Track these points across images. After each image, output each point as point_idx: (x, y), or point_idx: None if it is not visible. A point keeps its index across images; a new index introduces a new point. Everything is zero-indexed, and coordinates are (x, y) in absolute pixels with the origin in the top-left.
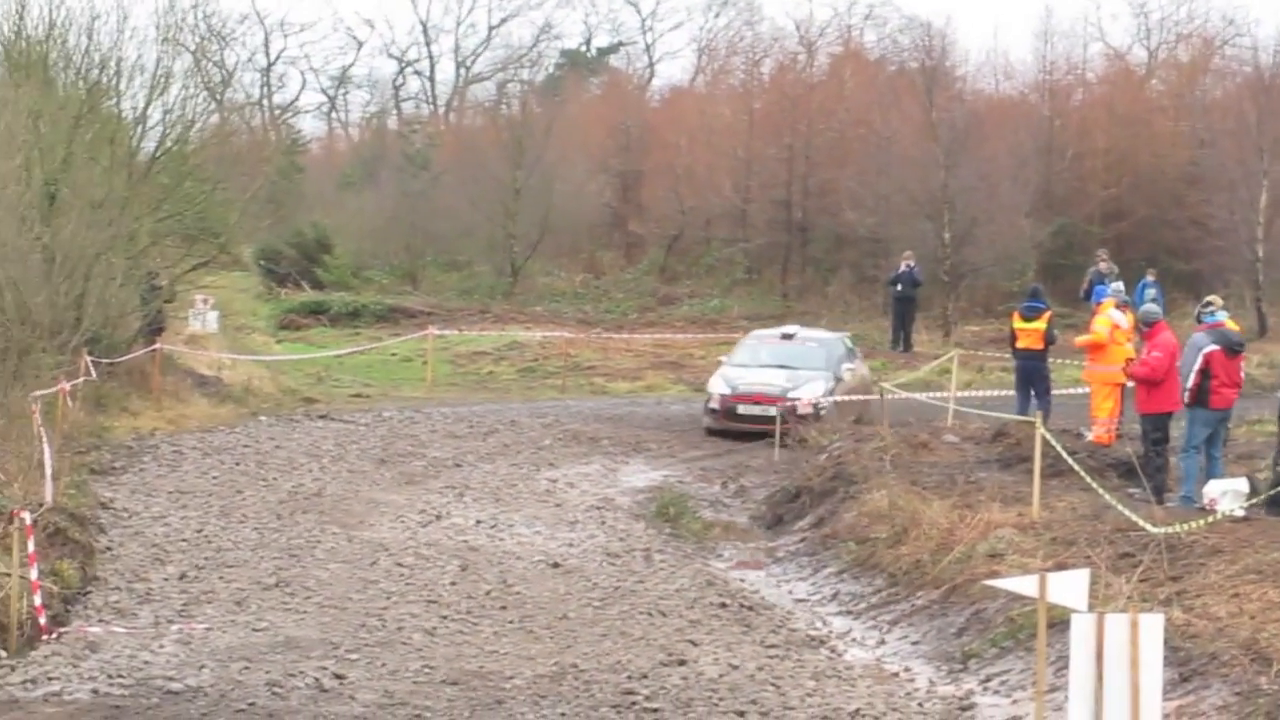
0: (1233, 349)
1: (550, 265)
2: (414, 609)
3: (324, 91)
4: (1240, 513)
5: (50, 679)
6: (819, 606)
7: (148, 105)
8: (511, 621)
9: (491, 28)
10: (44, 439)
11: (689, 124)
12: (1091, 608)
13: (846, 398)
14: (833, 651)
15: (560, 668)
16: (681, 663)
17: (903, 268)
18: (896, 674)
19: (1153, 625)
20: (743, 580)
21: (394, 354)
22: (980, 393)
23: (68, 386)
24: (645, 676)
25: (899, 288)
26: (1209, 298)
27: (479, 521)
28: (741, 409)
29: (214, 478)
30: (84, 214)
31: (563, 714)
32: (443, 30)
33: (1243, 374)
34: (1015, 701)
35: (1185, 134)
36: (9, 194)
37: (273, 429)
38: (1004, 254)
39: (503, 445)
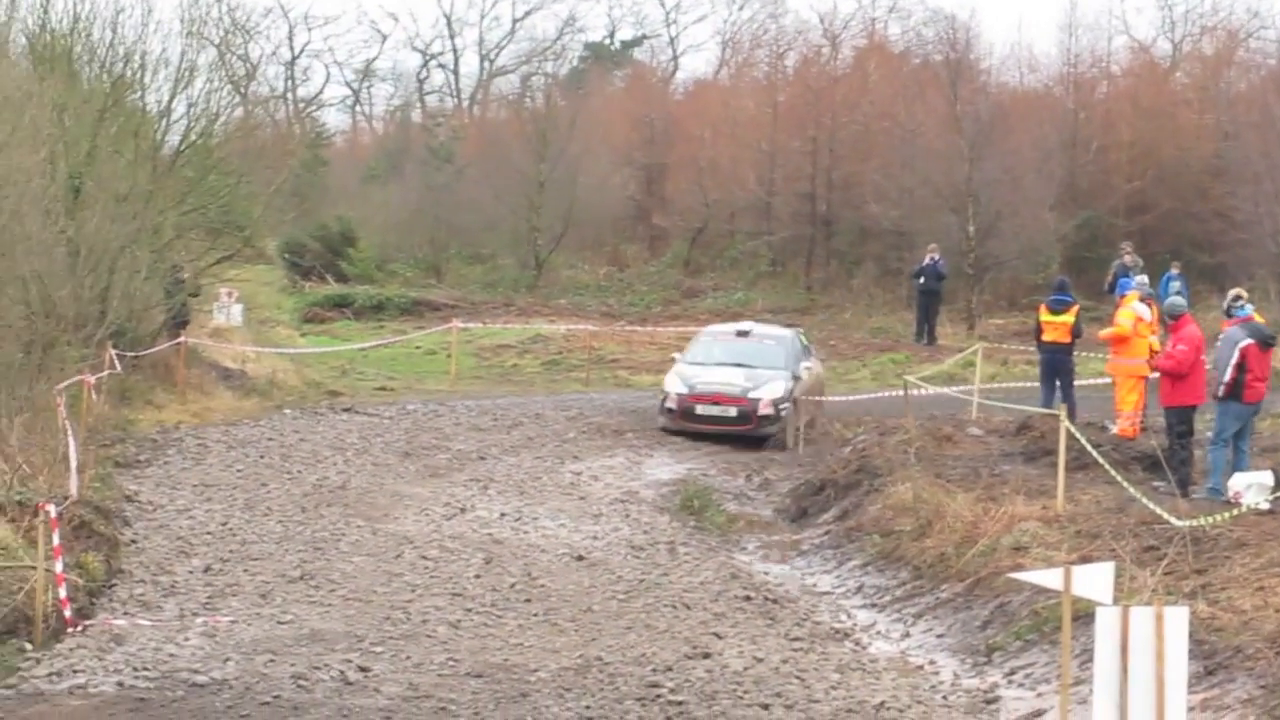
0: (1266, 343)
1: (574, 258)
2: (439, 602)
3: (348, 85)
4: (1265, 506)
5: (75, 672)
6: (843, 599)
7: (172, 99)
8: (536, 614)
9: (515, 20)
10: (69, 432)
11: (713, 117)
12: (1116, 601)
13: (805, 397)
14: (857, 644)
15: (585, 660)
16: (706, 655)
17: (927, 261)
18: (921, 667)
19: (1177, 618)
20: (767, 573)
21: (418, 347)
22: (1005, 385)
23: (92, 380)
24: (670, 669)
25: (923, 281)
26: (1236, 291)
27: (503, 514)
28: (700, 409)
29: (238, 471)
30: (108, 207)
31: (587, 706)
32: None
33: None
34: (1040, 694)
35: (1209, 127)
36: (34, 187)
37: (297, 422)
38: (1028, 247)
39: (527, 438)
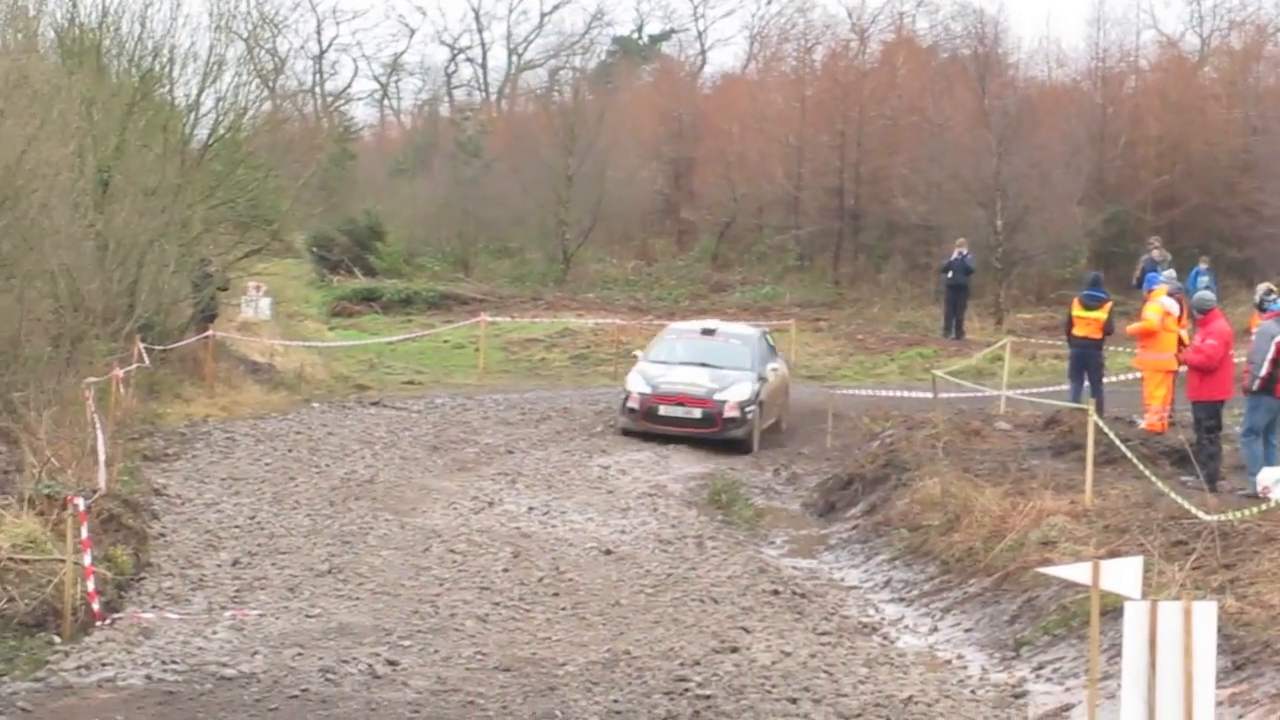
0: None
1: (602, 252)
2: (466, 596)
3: (376, 79)
4: None
5: (104, 665)
6: (871, 594)
7: (200, 92)
8: (564, 608)
9: (543, 14)
10: (97, 425)
11: (741, 111)
12: (1144, 595)
13: (774, 399)
14: (885, 639)
15: (613, 654)
16: (734, 650)
17: (955, 255)
18: (949, 661)
19: (1206, 613)
20: (795, 567)
21: (446, 341)
22: (1033, 381)
23: (121, 373)
24: (698, 663)
25: (951, 275)
26: (1267, 285)
27: (531, 508)
28: (663, 410)
29: (266, 464)
30: (137, 201)
31: (615, 700)
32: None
33: None
34: (1068, 689)
35: (1238, 121)
36: (62, 181)
37: (325, 416)
38: (1056, 241)
39: (554, 432)
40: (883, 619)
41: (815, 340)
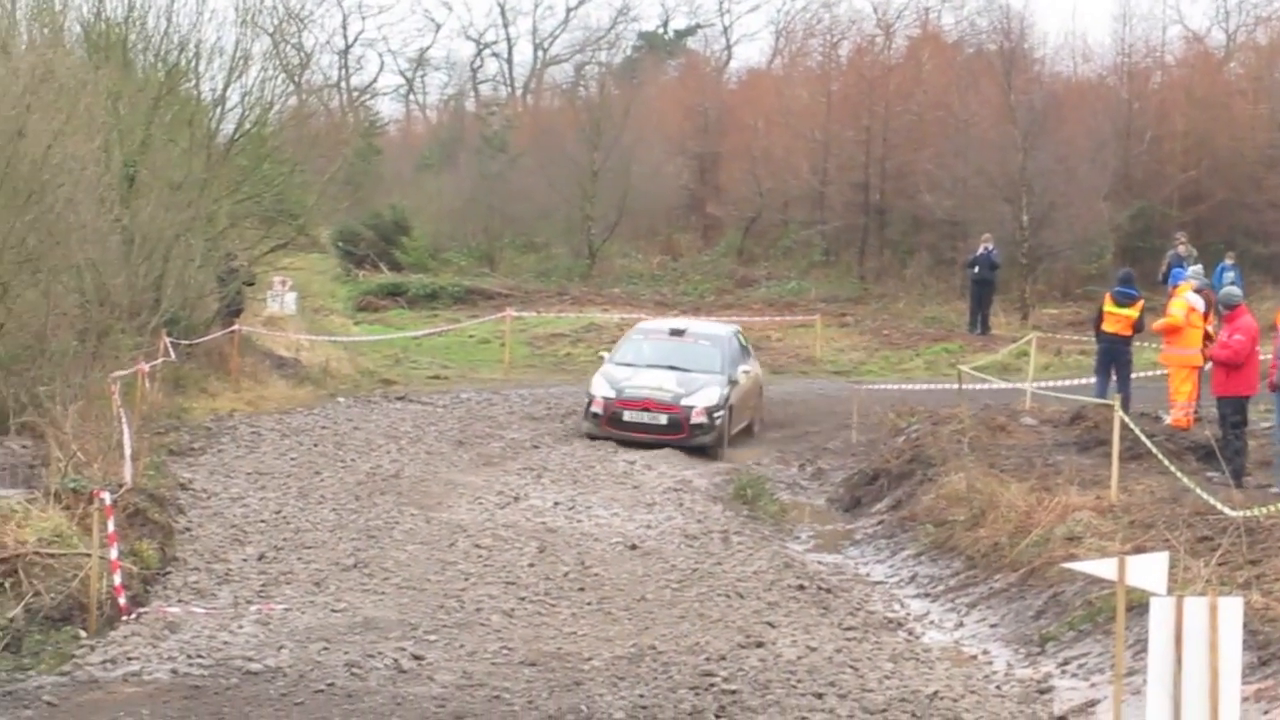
0: None
1: (628, 247)
2: (492, 590)
3: (402, 74)
4: None
5: (130, 659)
6: (897, 589)
7: (226, 87)
8: (590, 603)
9: (569, 10)
10: (123, 420)
11: (766, 106)
12: (1170, 591)
13: (746, 403)
14: (910, 634)
15: (638, 649)
16: (759, 644)
17: (980, 250)
18: (974, 656)
19: (1232, 608)
20: (820, 562)
21: (471, 336)
22: (1058, 376)
23: (147, 368)
24: (723, 658)
25: (976, 270)
26: None
27: (557, 503)
28: (628, 415)
29: (292, 459)
30: (163, 196)
31: (641, 695)
32: (520, 12)
33: None
34: (1093, 685)
35: (1264, 117)
36: (88, 175)
37: (351, 410)
38: (1082, 237)
39: (580, 427)
40: (908, 614)
41: (841, 335)
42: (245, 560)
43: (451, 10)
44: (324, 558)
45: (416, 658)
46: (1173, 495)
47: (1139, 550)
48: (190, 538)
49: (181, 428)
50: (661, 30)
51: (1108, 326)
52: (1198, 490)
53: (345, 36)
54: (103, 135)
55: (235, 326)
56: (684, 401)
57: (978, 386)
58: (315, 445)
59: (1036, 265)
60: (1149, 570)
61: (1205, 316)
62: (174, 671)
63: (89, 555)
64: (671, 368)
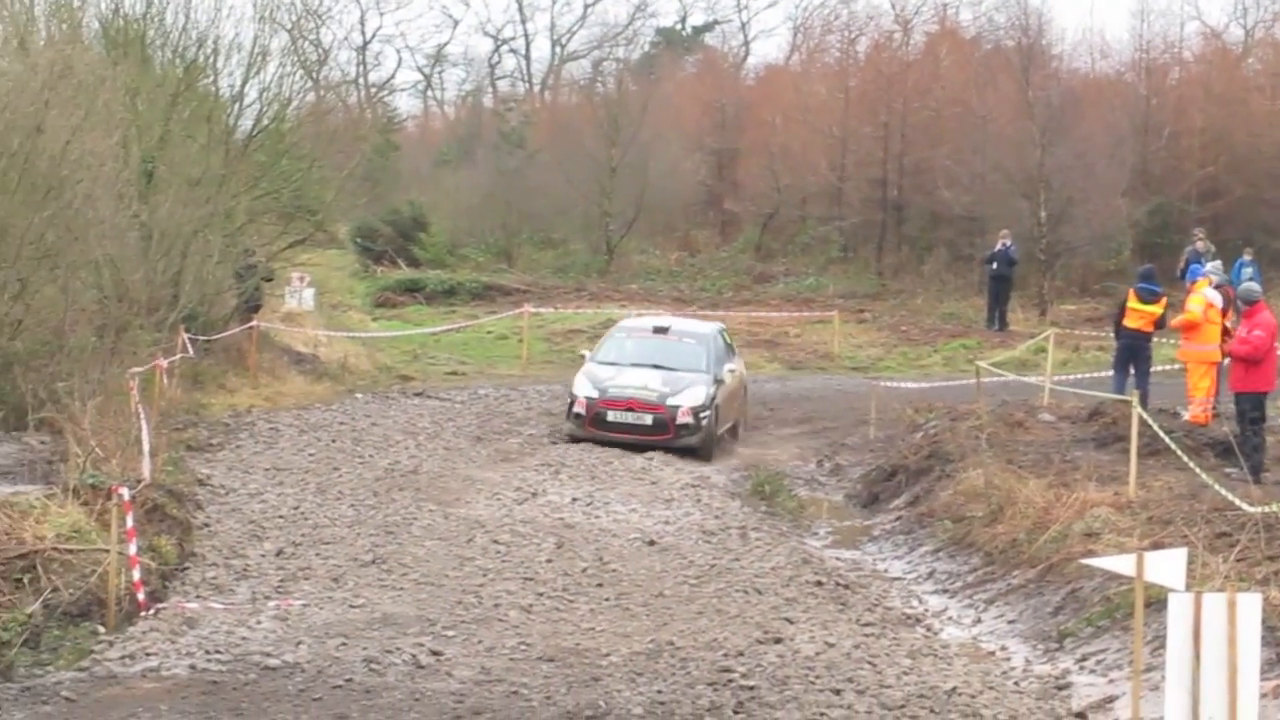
0: None
1: (645, 243)
2: (510, 586)
3: (420, 70)
4: None
5: (148, 654)
6: (915, 585)
7: (244, 83)
8: (608, 599)
9: (587, 6)
10: (142, 416)
11: (784, 102)
12: (1189, 587)
13: (731, 403)
14: (929, 630)
15: (656, 645)
16: (778, 640)
17: (999, 246)
18: (992, 653)
19: (1250, 604)
20: (838, 558)
21: (489, 331)
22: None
23: (165, 363)
24: (741, 654)
25: (995, 266)
26: None
27: (575, 499)
28: (612, 415)
29: (310, 455)
30: (181, 192)
31: (659, 691)
32: (538, 8)
33: None
34: (1111, 681)
35: None
36: (107, 171)
37: (369, 406)
38: (1100, 233)
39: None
40: (926, 610)
41: (859, 331)
42: (263, 556)
43: (469, 6)
44: (342, 553)
45: (435, 653)
46: (1191, 491)
47: (1157, 546)
48: (208, 533)
49: (200, 423)
50: (679, 26)
51: (1130, 322)
52: (1216, 486)
53: (363, 32)
54: (121, 131)
55: (253, 322)
56: (669, 401)
57: (995, 381)
58: (333, 441)
59: (1054, 261)
60: (1167, 566)
61: (1224, 312)
62: (192, 667)
63: (107, 551)
64: (656, 366)
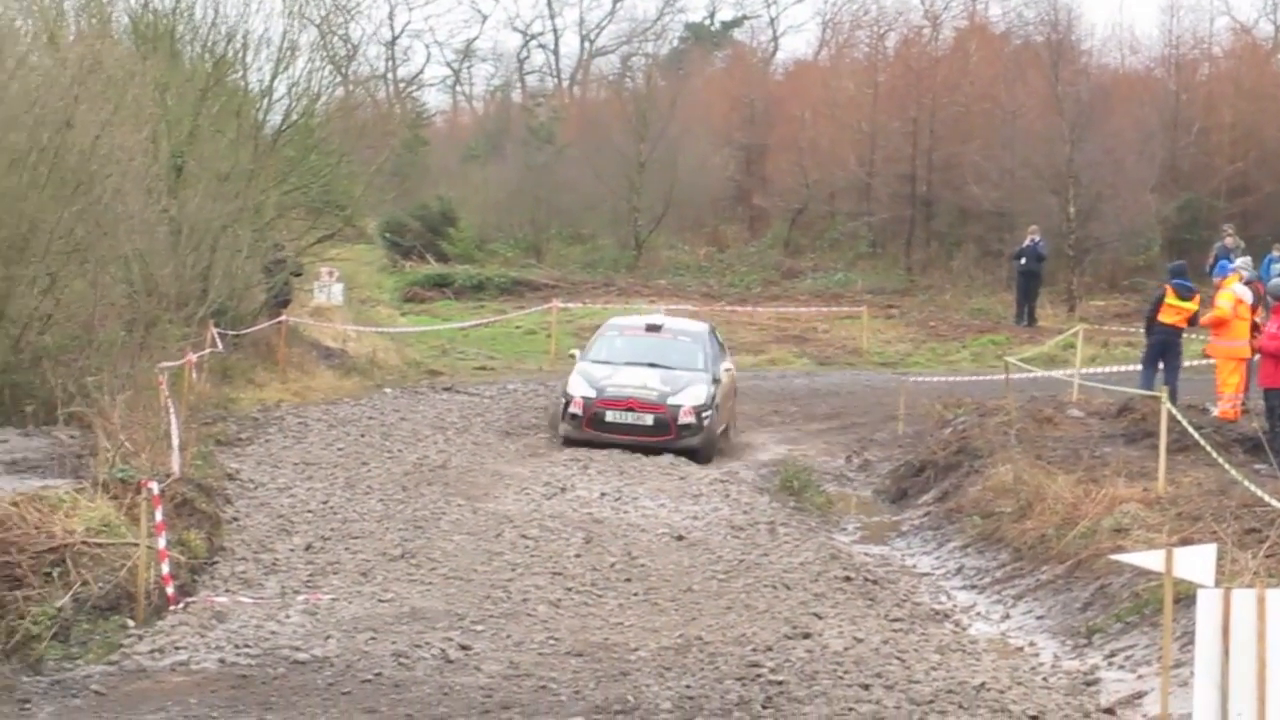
0: None
1: (674, 238)
2: (539, 581)
3: (448, 65)
4: None
5: (177, 648)
6: (943, 580)
7: (273, 78)
8: (636, 594)
9: (615, 1)
10: (171, 410)
11: (813, 97)
12: (1218, 583)
13: (725, 404)
14: (957, 625)
15: (685, 640)
16: (806, 636)
17: (1027, 242)
18: (1021, 648)
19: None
20: (867, 554)
21: (518, 327)
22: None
23: (194, 358)
24: (770, 649)
25: (1023, 262)
26: None
27: (603, 494)
28: (610, 416)
29: (339, 449)
30: (210, 186)
31: (687, 686)
32: (567, 3)
33: None
34: (1140, 677)
35: None
36: (136, 166)
37: (397, 401)
38: (1129, 229)
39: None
40: (955, 606)
41: (887, 327)
42: (292, 550)
43: (498, 2)
44: (371, 548)
45: (463, 648)
46: (1220, 487)
47: (1186, 542)
48: (238, 528)
49: (229, 418)
50: (708, 22)
51: (1166, 318)
52: (1245, 482)
53: (392, 28)
54: (150, 126)
55: (282, 317)
56: (670, 400)
57: (1024, 377)
58: (362, 436)
59: (1083, 257)
60: (1196, 562)
61: (1253, 308)
62: (221, 661)
63: (137, 545)
64: (652, 365)
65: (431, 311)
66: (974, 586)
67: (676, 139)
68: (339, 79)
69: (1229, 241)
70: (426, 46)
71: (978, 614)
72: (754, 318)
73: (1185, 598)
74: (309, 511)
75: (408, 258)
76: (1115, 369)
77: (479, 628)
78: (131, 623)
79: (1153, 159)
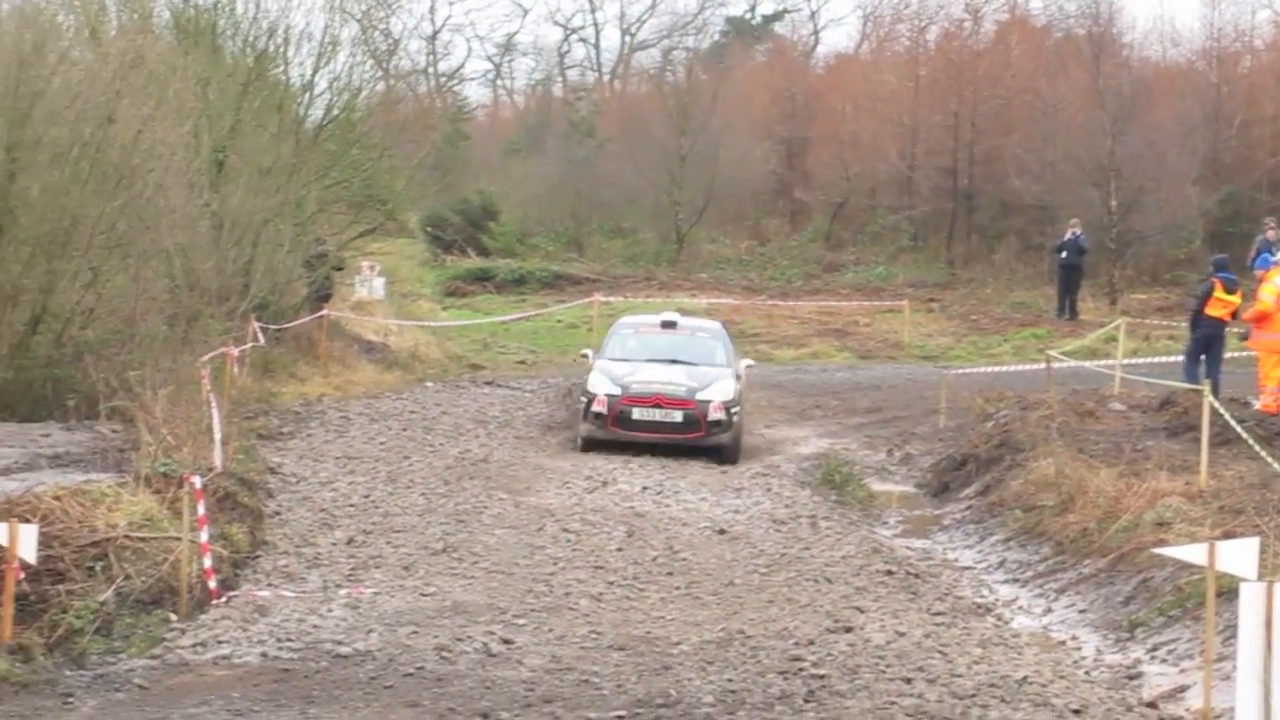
0: None
1: (715, 232)
2: (580, 574)
3: (489, 59)
4: None
5: (220, 642)
6: (985, 574)
7: (315, 73)
8: (678, 587)
9: None
10: (213, 404)
11: (854, 91)
12: (1260, 576)
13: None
14: (999, 619)
15: (727, 634)
16: (848, 629)
17: (1069, 235)
18: (1063, 642)
19: None
20: (909, 548)
21: (559, 320)
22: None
23: (236, 352)
24: (812, 643)
25: (1065, 255)
26: None
27: (645, 488)
28: (637, 414)
29: (381, 443)
30: (252, 181)
31: (729, 679)
32: None
33: None
34: (1183, 670)
35: None
36: (178, 161)
37: (439, 395)
38: (1171, 222)
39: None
40: (997, 600)
41: (928, 321)
42: (334, 544)
43: None
44: (413, 542)
45: (505, 641)
46: (1263, 481)
47: (1229, 536)
48: (280, 522)
49: (270, 412)
50: (749, 15)
51: (1213, 311)
52: None
53: (433, 22)
54: (192, 120)
55: (324, 311)
56: (699, 396)
57: (1066, 370)
58: (404, 430)
59: (1125, 250)
60: (1239, 555)
61: None
62: (264, 655)
63: (179, 539)
64: (673, 361)
65: (473, 305)
66: (1016, 580)
67: (717, 133)
68: (380, 74)
69: (1271, 235)
70: (467, 41)
71: (1020, 608)
72: (795, 311)
73: (1228, 591)
74: (351, 505)
75: (449, 252)
76: (1157, 360)
77: (521, 621)
78: (174, 616)
79: (1194, 152)
